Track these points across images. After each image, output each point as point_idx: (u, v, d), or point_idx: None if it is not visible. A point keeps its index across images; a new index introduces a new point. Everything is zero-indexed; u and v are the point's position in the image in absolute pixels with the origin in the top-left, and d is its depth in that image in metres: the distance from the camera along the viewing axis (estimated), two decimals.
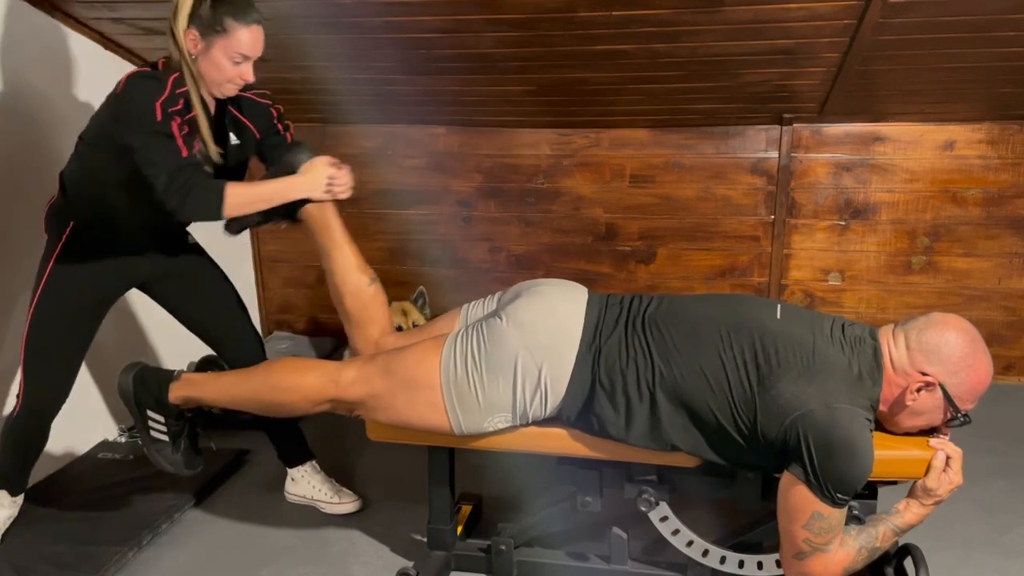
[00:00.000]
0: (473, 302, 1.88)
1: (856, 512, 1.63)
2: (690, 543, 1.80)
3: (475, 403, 1.66)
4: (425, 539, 2.04)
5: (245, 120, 1.98)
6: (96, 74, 2.60)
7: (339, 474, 2.45)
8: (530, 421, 1.70)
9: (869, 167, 3.15)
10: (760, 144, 3.19)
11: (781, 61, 2.57)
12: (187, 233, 2.17)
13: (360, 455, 2.68)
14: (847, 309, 3.31)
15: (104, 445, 2.71)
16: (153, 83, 1.75)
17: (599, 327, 1.66)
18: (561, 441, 1.73)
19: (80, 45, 2.57)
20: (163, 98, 1.73)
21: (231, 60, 1.79)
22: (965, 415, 1.55)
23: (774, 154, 3.18)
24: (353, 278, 1.87)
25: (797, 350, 1.53)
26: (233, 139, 1.96)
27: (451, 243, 3.50)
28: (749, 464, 1.64)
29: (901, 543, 1.72)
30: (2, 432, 2.08)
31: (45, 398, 2.02)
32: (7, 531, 2.11)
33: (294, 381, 1.77)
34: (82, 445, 2.65)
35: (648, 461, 1.73)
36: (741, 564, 1.78)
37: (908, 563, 1.74)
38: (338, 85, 2.88)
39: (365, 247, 1.98)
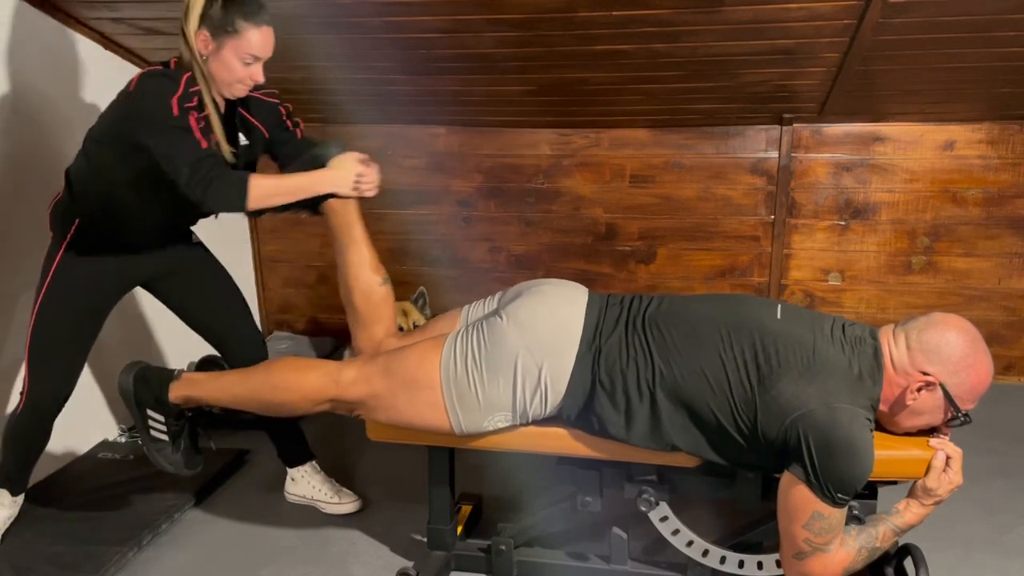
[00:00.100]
0: (474, 302, 1.88)
1: (856, 512, 1.63)
2: (690, 543, 1.80)
3: (475, 402, 1.66)
4: (425, 539, 2.04)
5: (254, 120, 1.98)
6: (96, 74, 2.61)
7: (339, 474, 2.45)
8: (530, 420, 1.70)
9: (869, 167, 3.15)
10: (760, 144, 3.19)
11: (781, 61, 2.57)
12: (191, 231, 2.17)
13: (360, 455, 2.68)
14: (847, 309, 3.31)
15: (104, 445, 2.71)
16: (167, 81, 1.76)
17: (599, 327, 1.66)
18: (561, 441, 1.73)
19: (80, 45, 2.57)
20: (178, 94, 1.74)
21: (241, 61, 1.79)
22: (965, 415, 1.55)
23: (774, 154, 3.18)
24: (366, 276, 1.87)
25: (797, 350, 1.53)
26: (242, 139, 1.96)
27: (451, 243, 3.50)
28: (749, 464, 1.64)
29: (901, 543, 1.72)
30: (4, 430, 2.08)
31: (49, 395, 2.02)
32: (7, 531, 2.11)
33: (294, 381, 1.77)
34: (82, 445, 2.65)
35: (648, 461, 1.73)
36: (741, 564, 1.78)
37: (908, 563, 1.74)
38: (338, 85, 2.88)
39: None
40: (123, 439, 2.76)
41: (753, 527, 1.82)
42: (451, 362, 1.66)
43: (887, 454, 1.54)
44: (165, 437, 1.87)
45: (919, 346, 1.54)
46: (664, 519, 1.80)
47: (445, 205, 3.45)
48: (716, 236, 3.32)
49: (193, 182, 1.73)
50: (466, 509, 2.17)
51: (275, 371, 1.82)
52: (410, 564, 1.99)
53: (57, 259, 1.95)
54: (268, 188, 1.81)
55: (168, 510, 2.27)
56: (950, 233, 3.18)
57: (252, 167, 2.03)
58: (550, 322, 1.67)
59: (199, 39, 1.77)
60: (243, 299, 2.24)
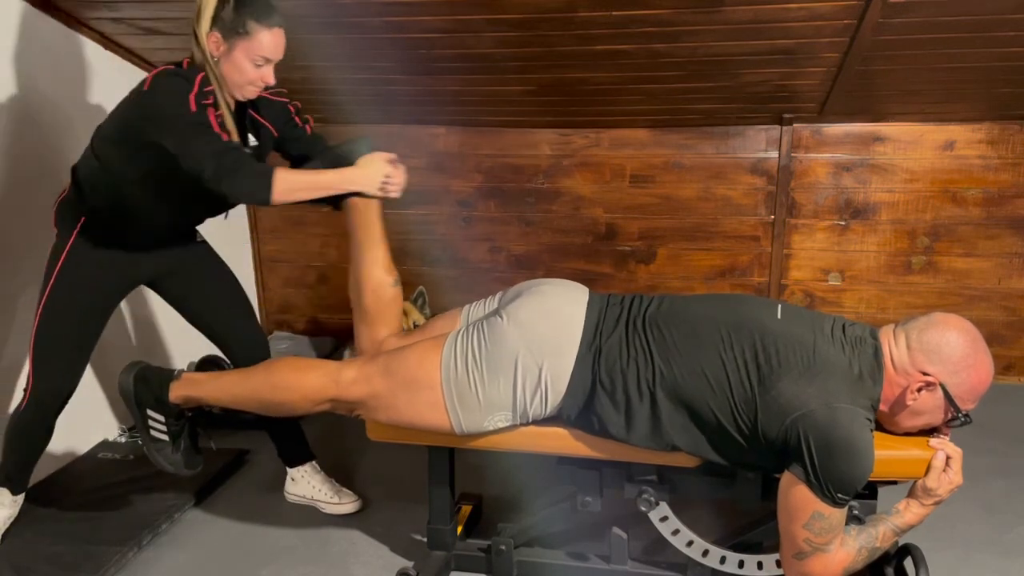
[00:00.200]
0: (474, 302, 1.88)
1: (856, 512, 1.63)
2: (690, 543, 1.80)
3: (475, 402, 1.66)
4: (425, 539, 2.04)
5: (263, 120, 1.98)
6: (96, 74, 2.61)
7: (339, 474, 2.45)
8: (530, 420, 1.70)
9: (869, 167, 3.15)
10: (760, 144, 3.19)
11: (781, 61, 2.57)
12: (196, 230, 2.17)
13: (360, 455, 2.68)
14: (847, 309, 3.31)
15: (104, 445, 2.71)
16: (181, 80, 1.76)
17: (600, 327, 1.66)
18: (561, 441, 1.73)
19: (80, 45, 2.57)
20: (194, 92, 1.74)
21: (253, 62, 1.79)
22: (966, 415, 1.55)
23: (774, 154, 3.18)
24: (379, 275, 1.87)
25: (798, 350, 1.53)
26: (252, 140, 1.96)
27: (451, 243, 3.50)
28: (749, 464, 1.64)
29: (901, 543, 1.72)
30: (6, 429, 2.08)
31: (53, 391, 2.02)
32: (7, 531, 2.11)
33: (295, 380, 1.77)
34: (82, 445, 2.65)
35: (648, 461, 1.73)
36: (741, 564, 1.78)
37: (908, 563, 1.74)
38: (338, 85, 2.88)
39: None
40: (123, 439, 2.76)
41: (753, 527, 1.82)
42: (451, 362, 1.67)
43: (887, 454, 1.54)
44: (165, 437, 1.87)
45: (919, 346, 1.54)
46: (664, 519, 1.80)
47: (445, 205, 3.45)
48: (716, 236, 3.32)
49: (219, 174, 1.72)
50: (466, 509, 2.17)
51: (275, 371, 1.82)
52: (410, 564, 1.99)
53: (63, 257, 1.95)
54: (294, 182, 1.81)
55: (168, 510, 2.27)
56: (950, 233, 3.18)
57: None
58: (550, 322, 1.67)
59: (211, 41, 1.77)
60: (246, 299, 2.24)
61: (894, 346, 1.56)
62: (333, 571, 2.07)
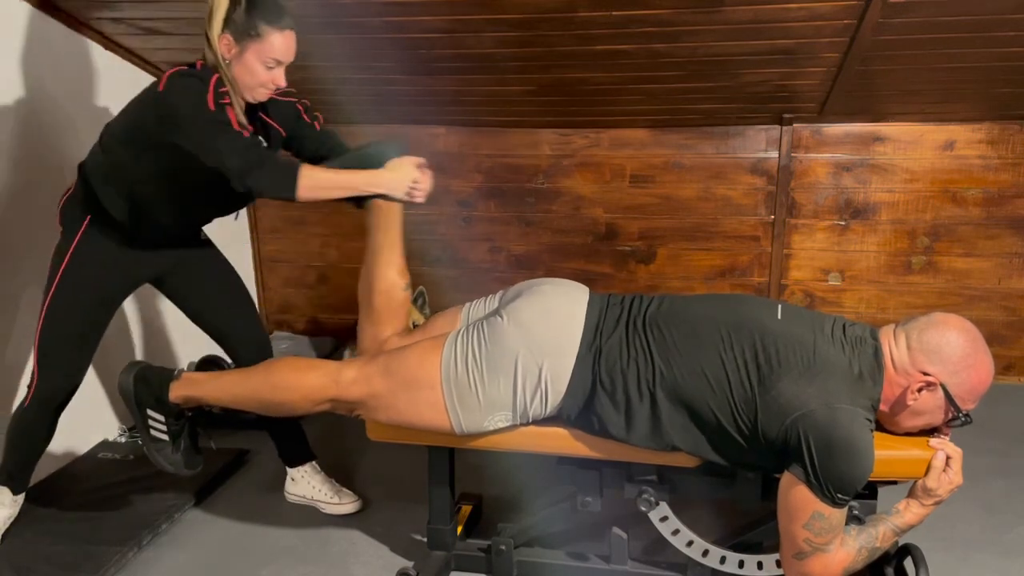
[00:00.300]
0: (474, 301, 1.88)
1: (856, 512, 1.63)
2: (690, 543, 1.80)
3: (475, 402, 1.66)
4: (425, 539, 2.04)
5: (271, 121, 1.98)
6: (96, 74, 2.61)
7: (339, 474, 2.45)
8: (530, 420, 1.70)
9: (869, 167, 3.15)
10: (760, 144, 3.19)
11: (781, 61, 2.57)
12: (201, 230, 2.17)
13: (360, 455, 2.68)
14: (847, 309, 3.31)
15: (104, 445, 2.71)
16: (196, 80, 1.76)
17: (600, 327, 1.66)
18: (561, 441, 1.73)
19: (81, 45, 2.57)
20: (211, 92, 1.74)
21: (264, 65, 1.79)
22: (966, 415, 1.55)
23: (774, 154, 3.18)
24: (391, 277, 1.87)
25: (798, 350, 1.53)
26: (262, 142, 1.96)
27: (451, 243, 3.50)
28: (749, 464, 1.64)
29: (901, 543, 1.72)
30: (9, 427, 2.09)
31: (57, 388, 2.02)
32: (7, 531, 2.11)
33: (295, 380, 1.77)
34: (82, 445, 2.65)
35: (648, 461, 1.73)
36: (741, 564, 1.78)
37: (908, 563, 1.74)
38: (338, 85, 2.88)
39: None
40: (123, 439, 2.76)
41: (753, 527, 1.82)
42: (451, 362, 1.67)
43: (887, 454, 1.54)
44: (165, 437, 1.87)
45: (920, 346, 1.54)
46: (664, 519, 1.80)
47: (445, 205, 3.45)
48: (716, 236, 3.32)
49: (244, 170, 1.73)
50: (466, 509, 2.17)
51: (275, 371, 1.82)
52: (410, 564, 1.99)
53: (68, 255, 1.95)
54: (320, 179, 1.81)
55: (168, 510, 2.27)
56: (950, 233, 3.18)
57: None
58: (551, 322, 1.67)
59: (222, 43, 1.77)
60: (249, 298, 2.25)
61: (894, 346, 1.56)
62: (333, 571, 2.07)
